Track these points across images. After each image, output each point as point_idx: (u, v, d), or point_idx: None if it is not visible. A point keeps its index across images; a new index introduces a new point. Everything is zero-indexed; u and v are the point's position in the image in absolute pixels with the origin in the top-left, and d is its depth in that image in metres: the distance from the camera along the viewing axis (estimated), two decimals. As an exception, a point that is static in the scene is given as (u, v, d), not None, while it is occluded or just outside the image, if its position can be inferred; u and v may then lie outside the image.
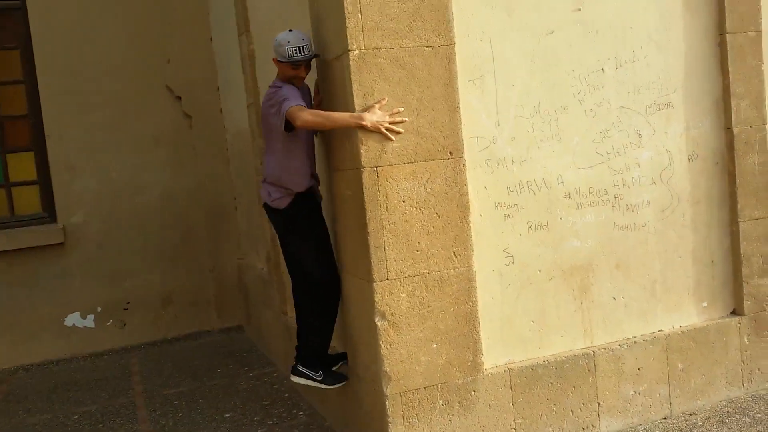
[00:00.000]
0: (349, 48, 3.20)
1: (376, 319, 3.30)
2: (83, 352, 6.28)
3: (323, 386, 3.73)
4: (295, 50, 3.43)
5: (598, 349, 3.74)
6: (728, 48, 3.93)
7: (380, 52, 3.26)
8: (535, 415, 3.60)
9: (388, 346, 3.31)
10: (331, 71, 3.46)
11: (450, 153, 3.37)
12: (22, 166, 6.22)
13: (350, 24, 3.19)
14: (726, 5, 3.91)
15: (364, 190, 3.25)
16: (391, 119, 3.23)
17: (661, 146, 3.88)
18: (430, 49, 3.32)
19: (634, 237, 3.85)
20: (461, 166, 3.40)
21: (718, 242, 4.04)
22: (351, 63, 3.21)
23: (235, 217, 6.67)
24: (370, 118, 3.18)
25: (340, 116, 3.26)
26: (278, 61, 3.50)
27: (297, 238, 3.65)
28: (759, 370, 4.11)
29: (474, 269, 3.45)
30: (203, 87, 6.57)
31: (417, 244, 3.34)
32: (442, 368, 3.41)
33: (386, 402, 3.32)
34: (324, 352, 3.77)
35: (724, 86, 3.98)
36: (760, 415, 3.83)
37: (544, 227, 3.66)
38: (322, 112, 3.37)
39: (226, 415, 4.60)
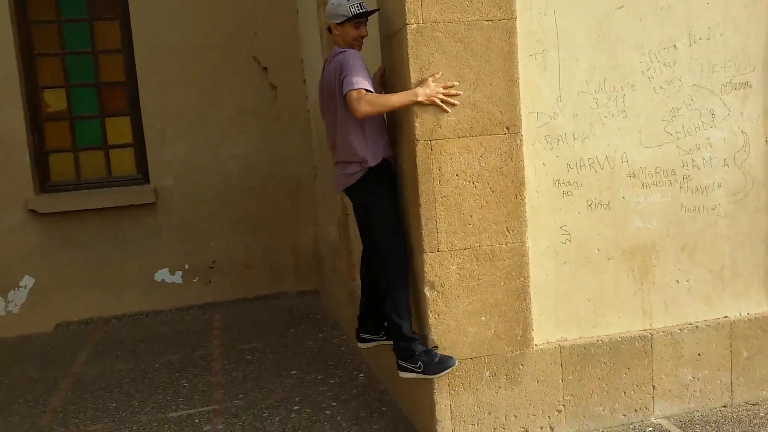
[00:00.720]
0: (407, 22, 3.24)
1: (426, 289, 3.37)
2: (170, 306, 6.67)
3: (428, 377, 3.40)
4: (357, 6, 3.42)
5: (656, 332, 3.67)
6: (816, 24, 3.69)
7: (438, 26, 3.27)
8: (585, 394, 3.59)
9: (437, 316, 3.39)
10: (390, 45, 3.51)
11: (507, 128, 3.37)
12: (119, 130, 6.63)
13: (409, -2, 3.22)
14: (817, -23, 3.67)
15: (417, 162, 3.30)
16: (446, 92, 3.25)
17: (736, 127, 3.71)
18: (489, 23, 3.31)
19: (702, 219, 3.72)
20: (518, 141, 3.39)
21: (796, 229, 3.85)
22: (408, 37, 3.25)
23: (314, 187, 6.87)
24: (424, 92, 3.21)
25: (397, 97, 3.28)
26: (338, 24, 3.46)
27: (374, 213, 3.49)
28: (834, 364, 3.91)
29: (527, 245, 3.45)
30: (289, 59, 6.73)
31: (469, 218, 3.37)
32: (490, 341, 3.45)
33: (433, 370, 3.40)
34: (411, 332, 3.49)
35: (809, 65, 3.75)
36: (828, 411, 3.66)
37: (605, 206, 3.60)
38: (378, 98, 3.30)
39: (292, 372, 4.82)
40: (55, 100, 6.53)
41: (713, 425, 3.60)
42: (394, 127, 3.66)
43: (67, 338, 6.12)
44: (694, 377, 3.72)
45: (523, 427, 3.53)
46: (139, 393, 4.69)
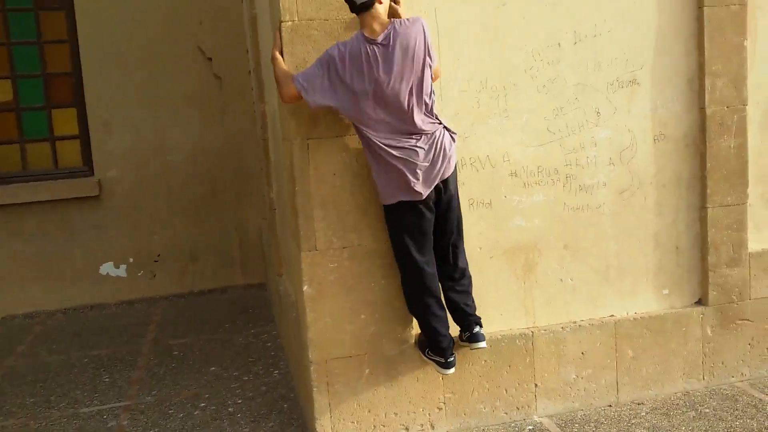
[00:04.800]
0: (282, 19, 3.24)
1: (304, 287, 3.39)
2: (116, 300, 6.69)
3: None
4: None
5: (538, 330, 3.68)
6: (705, 23, 3.67)
7: (314, 24, 3.27)
8: (465, 391, 3.62)
9: (315, 314, 3.41)
10: (274, 39, 3.51)
11: (384, 127, 3.37)
12: (65, 121, 6.65)
13: (284, -6, 3.20)
14: (707, -24, 3.65)
15: (293, 161, 3.32)
16: None
17: (623, 125, 3.70)
18: (365, 22, 3.30)
19: (586, 218, 3.72)
20: (395, 140, 3.39)
21: (686, 228, 3.84)
22: (284, 34, 3.25)
23: (260, 178, 6.88)
24: None
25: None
26: None
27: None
28: (723, 363, 3.91)
29: (406, 244, 3.46)
30: (233, 48, 6.70)
31: (347, 217, 3.39)
32: (370, 339, 3.47)
33: (311, 368, 3.43)
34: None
35: (699, 64, 3.73)
36: (707, 410, 3.66)
37: (487, 205, 3.61)
38: None
39: (211, 368, 4.86)
40: (1, 91, 6.56)
41: (593, 424, 3.62)
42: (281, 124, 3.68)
43: (10, 331, 6.16)
44: (577, 376, 3.74)
45: (403, 425, 3.56)
46: (60, 387, 4.75)
